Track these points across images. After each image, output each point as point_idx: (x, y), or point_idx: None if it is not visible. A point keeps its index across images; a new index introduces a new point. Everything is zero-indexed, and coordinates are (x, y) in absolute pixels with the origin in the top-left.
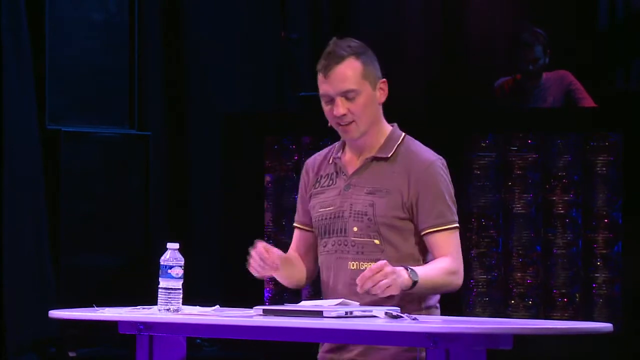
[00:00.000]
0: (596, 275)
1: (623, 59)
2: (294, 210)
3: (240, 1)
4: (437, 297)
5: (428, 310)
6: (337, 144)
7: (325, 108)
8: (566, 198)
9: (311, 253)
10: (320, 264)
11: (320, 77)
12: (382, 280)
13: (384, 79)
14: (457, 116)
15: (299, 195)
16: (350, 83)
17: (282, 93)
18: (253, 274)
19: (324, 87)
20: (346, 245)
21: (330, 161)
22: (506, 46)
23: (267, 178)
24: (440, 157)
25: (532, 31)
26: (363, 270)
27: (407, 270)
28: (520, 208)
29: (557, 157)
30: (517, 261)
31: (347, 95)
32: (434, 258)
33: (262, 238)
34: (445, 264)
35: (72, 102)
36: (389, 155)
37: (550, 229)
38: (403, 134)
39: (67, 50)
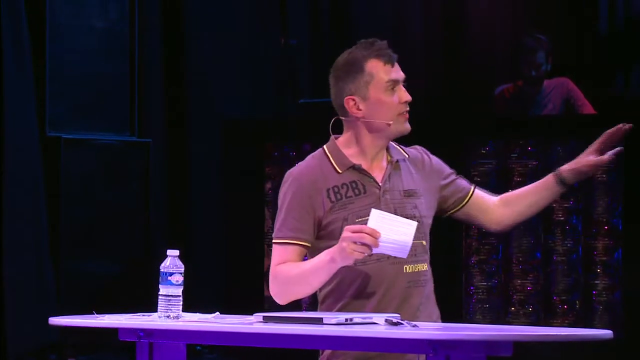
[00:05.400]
0: (596, 282)
1: (623, 63)
2: None
3: (239, 8)
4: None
5: None
6: (316, 154)
7: (390, 95)
8: (566, 205)
9: None
10: (355, 276)
11: (380, 64)
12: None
13: None
14: (457, 122)
15: (292, 209)
16: None
17: (282, 100)
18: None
19: (393, 73)
20: None
21: (341, 170)
22: (506, 52)
23: (268, 185)
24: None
25: (535, 37)
26: (417, 272)
27: None
28: None
29: (557, 164)
30: (517, 268)
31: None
32: None
33: (262, 245)
34: None
35: (72, 109)
36: (408, 156)
37: (550, 236)
38: None
39: (68, 57)
